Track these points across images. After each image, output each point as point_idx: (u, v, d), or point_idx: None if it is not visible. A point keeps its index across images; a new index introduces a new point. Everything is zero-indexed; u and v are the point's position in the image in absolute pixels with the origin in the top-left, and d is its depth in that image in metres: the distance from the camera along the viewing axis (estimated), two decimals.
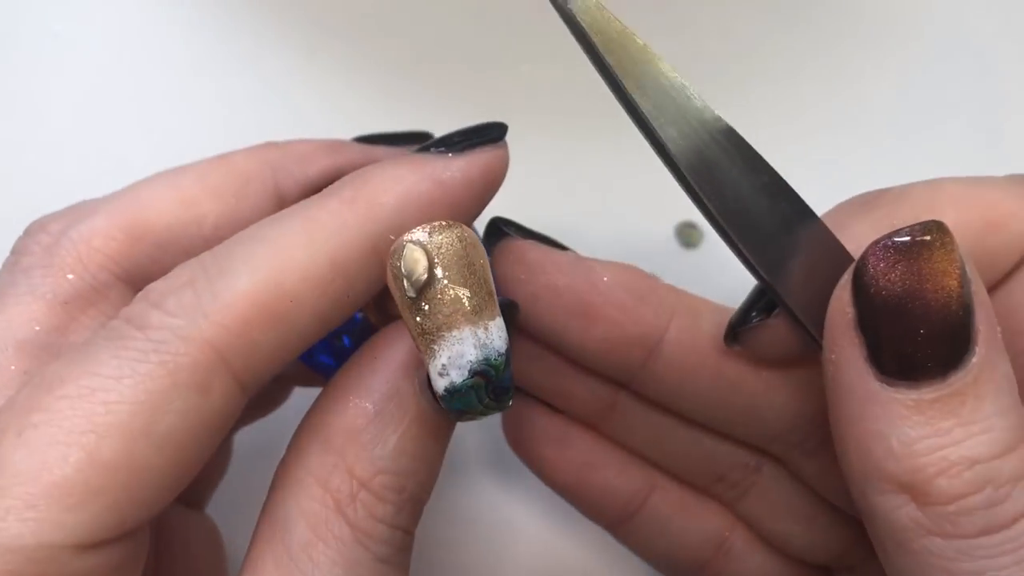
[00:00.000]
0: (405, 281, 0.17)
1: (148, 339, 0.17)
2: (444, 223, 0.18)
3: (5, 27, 0.33)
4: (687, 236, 0.32)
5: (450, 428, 0.20)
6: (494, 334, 0.18)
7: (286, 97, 0.33)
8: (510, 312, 0.20)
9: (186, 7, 0.33)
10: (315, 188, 0.21)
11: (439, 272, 0.17)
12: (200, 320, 0.17)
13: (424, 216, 0.19)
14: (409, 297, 0.18)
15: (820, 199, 0.32)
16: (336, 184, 0.20)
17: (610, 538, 0.29)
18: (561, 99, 0.33)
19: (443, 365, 0.17)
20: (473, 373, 0.17)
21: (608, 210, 0.32)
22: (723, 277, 0.32)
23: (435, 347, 0.17)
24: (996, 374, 0.17)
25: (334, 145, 0.24)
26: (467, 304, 0.18)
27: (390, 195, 0.19)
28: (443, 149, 0.21)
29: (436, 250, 0.18)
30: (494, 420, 0.30)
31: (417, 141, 0.24)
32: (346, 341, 0.24)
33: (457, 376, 0.17)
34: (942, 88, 0.34)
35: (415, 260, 0.17)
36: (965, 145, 0.33)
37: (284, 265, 0.18)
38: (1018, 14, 0.34)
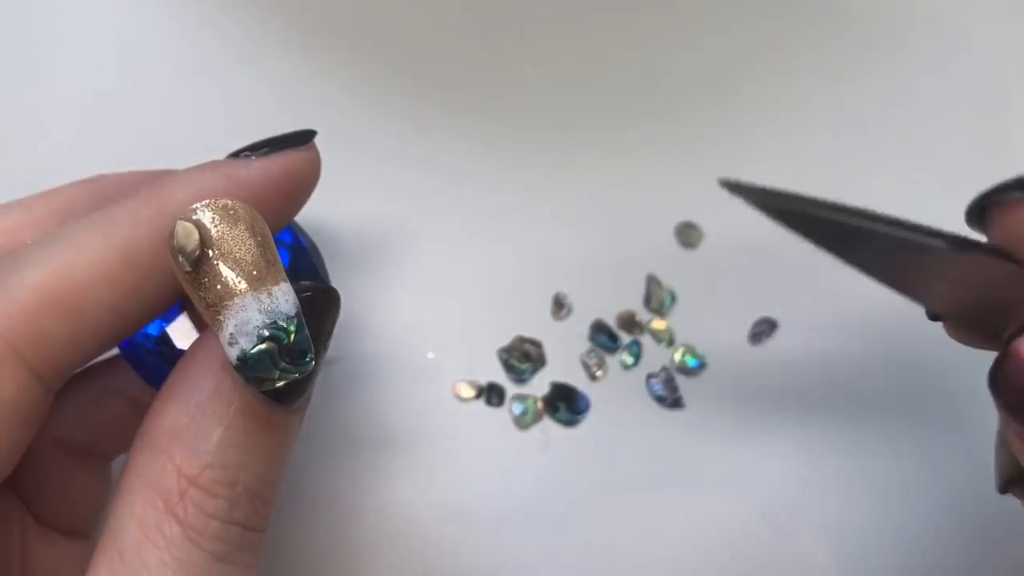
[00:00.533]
0: (180, 256, 0.18)
1: None
2: (216, 199, 0.19)
3: (5, 28, 0.33)
4: (687, 236, 0.32)
5: (287, 419, 0.20)
6: (279, 298, 0.18)
7: (288, 97, 0.33)
8: (328, 296, 0.20)
9: (187, 8, 0.33)
10: None
11: (213, 243, 0.18)
12: None
13: None
14: (187, 272, 0.18)
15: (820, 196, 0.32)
16: (137, 189, 0.21)
17: (606, 537, 0.29)
18: (561, 99, 0.33)
19: (231, 334, 0.18)
20: (262, 339, 0.18)
21: (608, 210, 0.32)
22: (723, 277, 0.32)
23: (220, 318, 0.18)
24: None
25: (162, 175, 0.25)
26: (246, 270, 0.18)
27: (183, 192, 0.20)
28: (248, 154, 0.22)
29: (209, 222, 0.18)
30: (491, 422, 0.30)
31: (274, 146, 0.25)
32: None
33: (247, 343, 0.18)
34: (943, 88, 0.34)
35: (187, 234, 0.18)
36: (966, 145, 0.33)
37: (75, 259, 0.19)
38: (1019, 12, 0.34)
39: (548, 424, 0.30)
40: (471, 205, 0.32)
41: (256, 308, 0.18)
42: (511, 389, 0.30)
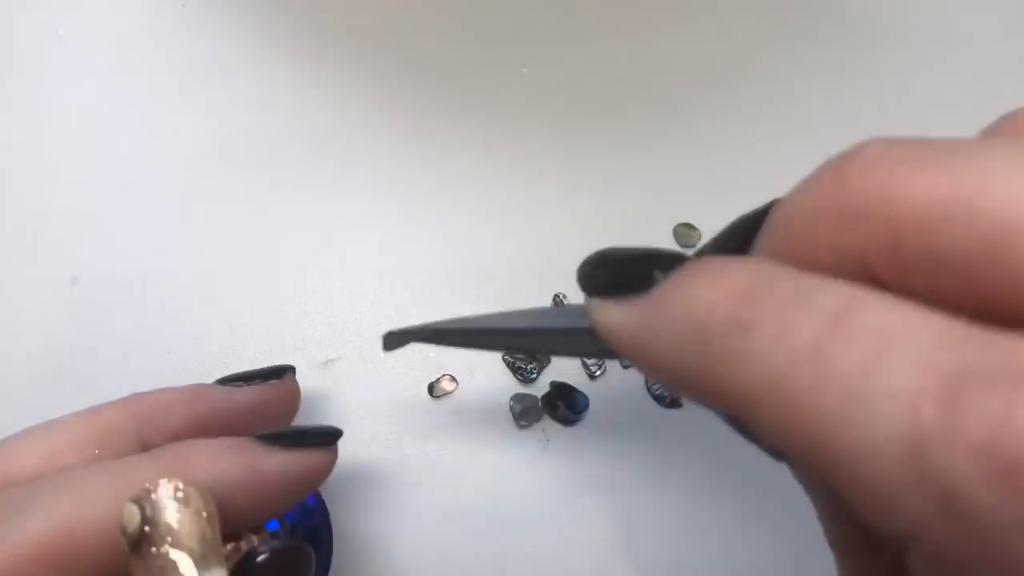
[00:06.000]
0: (123, 536, 0.18)
1: None
2: (168, 480, 0.19)
3: (9, 30, 0.33)
4: (685, 237, 0.32)
5: None
6: None
7: (290, 100, 0.33)
8: (296, 557, 0.21)
9: (189, 10, 0.33)
10: (178, 436, 0.23)
11: (152, 527, 0.18)
12: None
13: (231, 495, 0.21)
14: (126, 551, 0.18)
15: None
16: (160, 448, 0.21)
17: (606, 536, 0.29)
18: (561, 101, 0.33)
19: None
20: None
21: (606, 210, 0.32)
22: None
23: None
24: None
25: (196, 392, 0.25)
26: (185, 560, 0.18)
27: (203, 471, 0.21)
28: (272, 440, 0.22)
29: (153, 505, 0.18)
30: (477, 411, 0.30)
31: (275, 376, 0.26)
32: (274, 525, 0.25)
33: None
34: (941, 88, 0.34)
35: (130, 516, 0.18)
36: None
37: (82, 514, 0.19)
38: (1016, 13, 0.35)
39: (548, 423, 0.30)
40: (471, 205, 0.32)
41: None
42: (516, 389, 0.30)
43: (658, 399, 0.30)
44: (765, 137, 0.33)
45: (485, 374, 0.30)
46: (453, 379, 0.30)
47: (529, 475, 0.29)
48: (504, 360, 0.30)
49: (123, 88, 0.32)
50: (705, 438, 0.30)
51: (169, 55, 0.33)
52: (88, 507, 0.19)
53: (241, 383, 0.26)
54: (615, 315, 0.16)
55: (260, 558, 0.20)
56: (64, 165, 0.31)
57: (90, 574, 0.19)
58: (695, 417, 0.30)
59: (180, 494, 0.19)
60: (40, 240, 0.31)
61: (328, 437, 0.23)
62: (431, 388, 0.30)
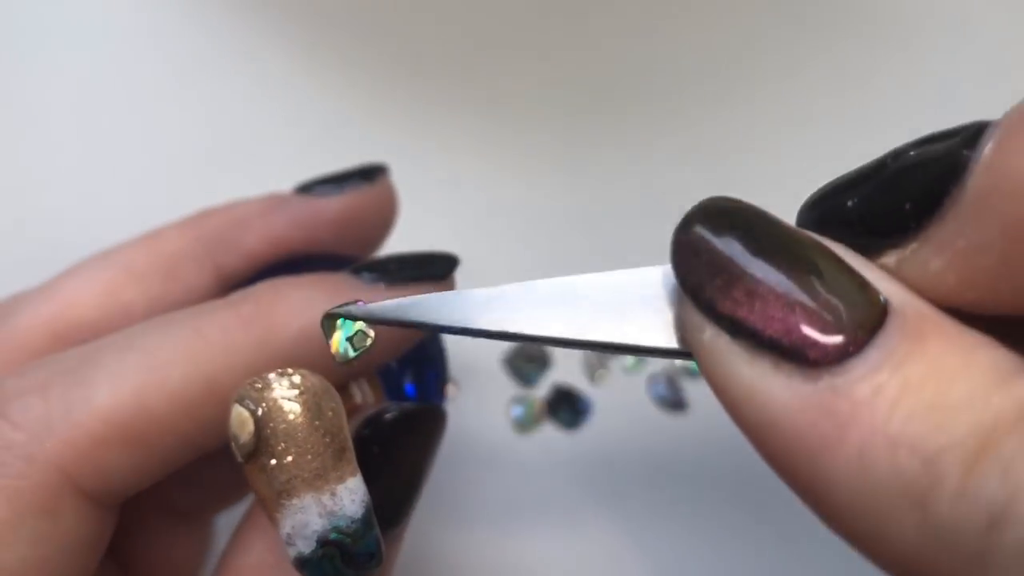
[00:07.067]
0: (233, 444, 0.16)
1: None
2: (281, 372, 0.16)
3: (1, 27, 0.32)
4: None
5: None
6: (344, 499, 0.16)
7: (285, 95, 0.33)
8: (431, 417, 0.18)
9: (184, 5, 0.33)
10: (256, 257, 0.20)
11: (270, 434, 0.16)
12: (45, 437, 0.16)
13: (328, 352, 0.17)
14: (240, 462, 0.16)
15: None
16: (240, 294, 0.18)
17: (607, 539, 0.29)
18: (561, 96, 0.33)
19: (288, 535, 0.16)
20: (322, 543, 0.16)
21: (610, 210, 0.32)
22: None
23: (277, 515, 0.16)
24: None
25: (273, 203, 0.22)
26: (307, 468, 0.16)
27: (294, 324, 0.18)
28: (376, 276, 0.19)
29: (267, 408, 0.16)
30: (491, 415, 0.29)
31: (364, 178, 0.22)
32: (409, 390, 0.23)
33: (304, 547, 0.16)
34: (950, 86, 0.33)
35: (240, 423, 0.16)
36: None
37: (153, 382, 0.17)
38: None
39: (548, 427, 0.30)
40: (470, 200, 0.32)
41: (316, 510, 0.16)
42: (516, 392, 0.30)
43: (661, 401, 0.30)
44: (773, 130, 0.33)
45: (485, 377, 0.30)
46: (452, 382, 0.30)
47: (529, 479, 0.29)
48: (504, 363, 0.30)
49: (116, 84, 0.32)
50: (708, 443, 0.29)
51: (163, 50, 0.33)
52: (159, 373, 0.17)
53: (325, 189, 0.22)
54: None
55: (388, 415, 0.17)
56: (52, 161, 0.31)
57: (172, 451, 0.17)
58: (698, 421, 0.30)
59: (300, 391, 0.16)
60: (28, 239, 0.31)
61: (443, 265, 0.19)
62: None
